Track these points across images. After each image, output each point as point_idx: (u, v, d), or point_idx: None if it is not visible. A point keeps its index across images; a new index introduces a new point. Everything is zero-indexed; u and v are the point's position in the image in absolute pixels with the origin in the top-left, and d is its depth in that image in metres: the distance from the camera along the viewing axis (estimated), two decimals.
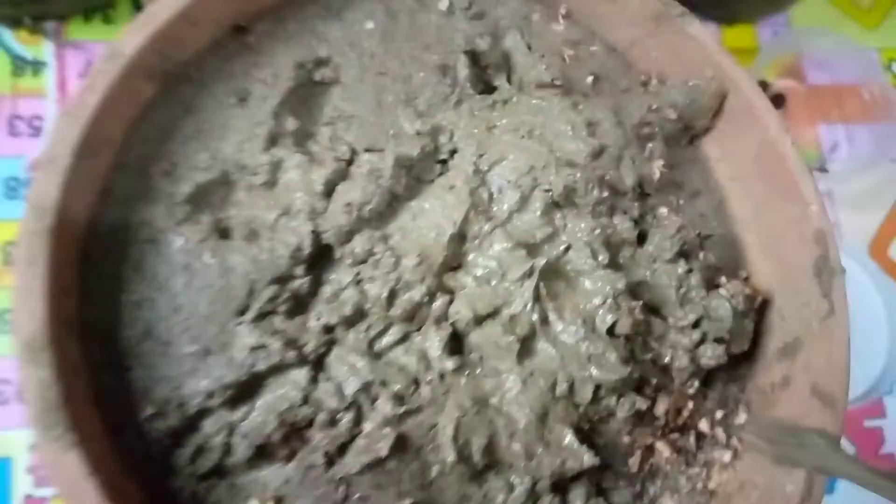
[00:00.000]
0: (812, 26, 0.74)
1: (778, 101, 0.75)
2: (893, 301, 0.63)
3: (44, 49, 0.56)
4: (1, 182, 0.53)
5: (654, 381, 0.38)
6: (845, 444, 0.63)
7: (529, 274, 0.36)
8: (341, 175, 0.36)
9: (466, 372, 0.36)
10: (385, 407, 0.34)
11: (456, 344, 0.37)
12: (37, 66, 0.56)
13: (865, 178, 0.76)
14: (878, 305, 0.64)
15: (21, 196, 0.53)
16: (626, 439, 0.38)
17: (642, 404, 0.37)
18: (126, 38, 0.34)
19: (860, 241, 0.73)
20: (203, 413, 0.34)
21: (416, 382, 0.35)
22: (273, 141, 0.37)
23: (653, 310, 0.39)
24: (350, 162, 0.37)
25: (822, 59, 0.75)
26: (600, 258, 0.38)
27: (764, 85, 0.71)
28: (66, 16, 0.56)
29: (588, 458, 0.35)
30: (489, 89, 0.41)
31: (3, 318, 0.51)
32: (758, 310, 0.40)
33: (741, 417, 0.40)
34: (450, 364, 0.35)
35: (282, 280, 0.35)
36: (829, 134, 0.77)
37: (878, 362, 0.62)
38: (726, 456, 0.39)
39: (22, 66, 0.55)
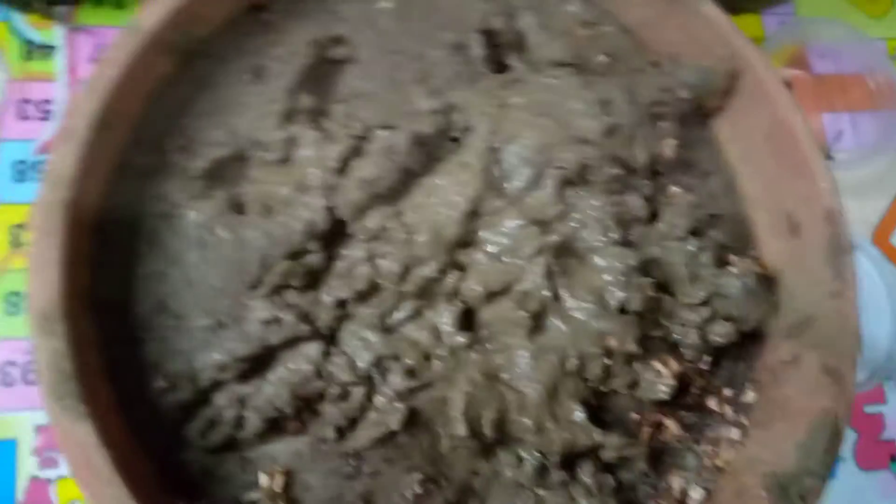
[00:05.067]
0: (818, 16, 0.75)
1: None
2: None
3: (54, 33, 0.56)
4: (9, 165, 0.53)
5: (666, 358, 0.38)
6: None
7: (541, 251, 0.36)
8: (356, 151, 0.36)
9: (477, 347, 0.36)
10: (396, 381, 0.35)
11: (468, 320, 0.37)
12: (47, 50, 0.56)
13: (869, 166, 0.76)
14: (881, 292, 0.65)
15: (29, 179, 0.53)
16: (634, 416, 0.38)
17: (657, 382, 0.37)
18: (145, 14, 0.34)
19: (863, 228, 0.74)
20: (215, 386, 0.34)
21: (428, 357, 0.36)
22: (288, 117, 0.37)
23: (663, 287, 0.39)
24: (364, 139, 0.37)
25: (827, 48, 0.75)
26: (612, 235, 0.38)
27: None
28: (78, 0, 0.57)
29: (597, 436, 0.35)
30: (503, 68, 0.41)
31: (9, 301, 0.51)
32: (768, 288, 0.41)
33: (750, 396, 0.40)
34: (461, 339, 0.35)
35: (296, 255, 0.35)
36: (833, 123, 0.77)
37: (881, 348, 0.63)
38: (734, 433, 0.39)
39: (32, 50, 0.56)
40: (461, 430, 0.34)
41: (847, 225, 0.38)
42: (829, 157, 0.72)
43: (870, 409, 0.64)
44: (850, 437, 0.63)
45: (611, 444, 0.36)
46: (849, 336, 0.37)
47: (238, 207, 0.36)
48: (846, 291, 0.37)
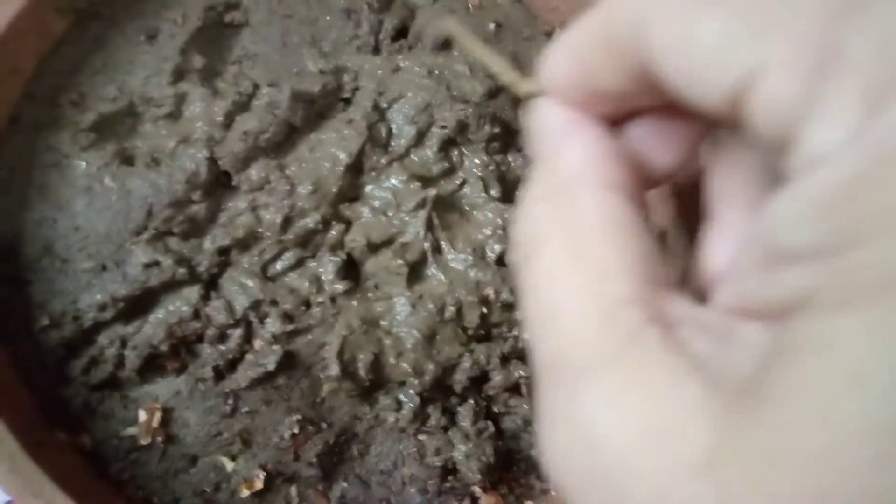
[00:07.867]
0: None
1: None
2: None
3: None
4: None
5: None
6: None
7: (423, 204, 0.38)
8: (242, 107, 0.38)
9: (358, 296, 0.38)
10: (274, 324, 0.36)
11: (353, 272, 0.39)
12: None
13: None
14: None
15: None
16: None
17: None
18: None
19: None
20: (98, 326, 0.35)
21: (308, 304, 0.37)
22: (179, 76, 0.39)
23: None
24: (252, 96, 0.39)
25: None
26: (492, 192, 0.39)
27: None
28: None
29: (468, 367, 0.37)
30: (400, 34, 0.43)
31: None
32: None
33: None
34: (339, 286, 0.37)
35: (179, 204, 0.36)
36: None
37: None
38: None
39: None
40: (335, 370, 0.35)
41: None
42: None
43: None
44: None
45: (484, 352, 0.37)
46: None
47: (128, 159, 0.37)
48: None
